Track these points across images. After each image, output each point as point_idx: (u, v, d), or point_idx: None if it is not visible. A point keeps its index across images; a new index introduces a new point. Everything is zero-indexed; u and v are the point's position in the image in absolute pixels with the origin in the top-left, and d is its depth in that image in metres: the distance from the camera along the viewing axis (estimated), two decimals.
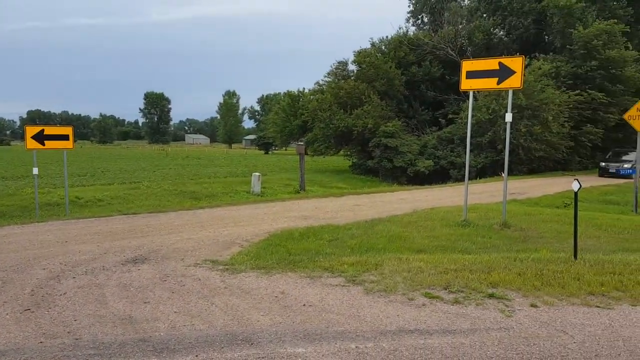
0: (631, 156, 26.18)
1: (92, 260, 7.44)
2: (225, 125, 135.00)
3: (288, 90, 54.43)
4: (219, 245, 8.62)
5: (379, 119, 32.45)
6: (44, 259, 7.47)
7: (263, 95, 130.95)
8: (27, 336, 4.49)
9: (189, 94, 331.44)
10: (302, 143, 29.73)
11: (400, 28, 53.35)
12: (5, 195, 18.42)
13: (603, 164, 27.86)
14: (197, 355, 4.05)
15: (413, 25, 44.16)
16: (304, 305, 5.32)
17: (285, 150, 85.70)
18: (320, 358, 4.01)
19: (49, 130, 13.83)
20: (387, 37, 38.95)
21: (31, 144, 13.28)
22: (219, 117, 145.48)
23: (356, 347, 4.23)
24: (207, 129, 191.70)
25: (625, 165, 26.81)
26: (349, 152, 38.21)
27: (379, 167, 32.30)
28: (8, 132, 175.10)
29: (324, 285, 6.04)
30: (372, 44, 39.06)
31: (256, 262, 7.24)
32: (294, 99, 50.90)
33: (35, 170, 13.73)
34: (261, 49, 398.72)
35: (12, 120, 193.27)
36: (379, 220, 11.57)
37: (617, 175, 26.18)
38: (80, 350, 4.16)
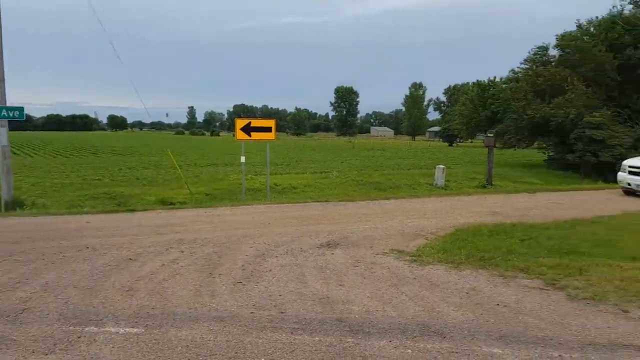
0: None
1: (291, 241, 8.14)
2: (409, 118, 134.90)
3: (477, 80, 52.12)
4: (405, 236, 8.70)
5: (583, 108, 29.09)
6: (250, 238, 8.40)
7: (450, 86, 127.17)
8: (240, 305, 5.10)
9: (376, 87, 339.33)
10: (491, 135, 28.22)
11: (613, 7, 46.82)
12: (216, 180, 21.16)
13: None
14: (390, 341, 4.17)
15: (630, 2, 38.27)
16: (498, 304, 5.08)
17: (470, 142, 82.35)
18: None
19: (255, 122, 15.23)
20: (596, 17, 34.58)
21: (240, 135, 14.81)
22: (404, 109, 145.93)
23: (560, 355, 3.90)
24: (391, 121, 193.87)
25: None
26: (544, 145, 35.07)
27: (581, 161, 29.01)
28: (217, 124, 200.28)
29: (519, 287, 5.69)
30: (579, 26, 35.04)
31: (443, 255, 7.15)
32: (483, 89, 48.51)
33: (242, 159, 15.42)
34: (449, 38, 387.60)
35: (221, 113, 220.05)
36: (581, 221, 10.44)
37: None
38: (285, 324, 4.59)
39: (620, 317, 4.72)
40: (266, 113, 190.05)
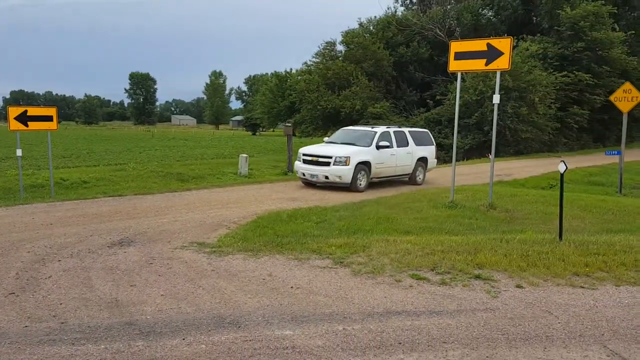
0: None
1: (78, 242, 7.36)
2: (212, 106, 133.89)
3: (275, 71, 54.06)
4: (206, 228, 8.57)
5: (367, 100, 32.32)
6: (28, 242, 7.37)
7: (250, 76, 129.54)
8: (11, 320, 4.43)
9: (175, 74, 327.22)
10: (289, 124, 29.53)
11: (388, 8, 52.92)
12: None
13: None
14: (184, 339, 4.03)
15: (402, 5, 43.76)
16: (292, 287, 5.32)
17: (273, 131, 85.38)
18: (308, 340, 4.02)
19: (33, 111, 13.45)
20: (375, 17, 38.65)
21: (14, 125, 12.93)
22: (205, 97, 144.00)
23: (344, 328, 4.24)
24: (193, 109, 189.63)
25: None
26: None
27: None
28: None
29: (311, 267, 6.04)
30: (360, 24, 38.75)
31: (243, 244, 7.21)
32: (281, 80, 50.53)
33: (18, 152, 13.46)
34: (248, 29, 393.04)
35: None
36: (367, 201, 11.59)
37: None
38: (66, 334, 4.12)
39: (394, 287, 5.35)
40: (51, 100, 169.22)
